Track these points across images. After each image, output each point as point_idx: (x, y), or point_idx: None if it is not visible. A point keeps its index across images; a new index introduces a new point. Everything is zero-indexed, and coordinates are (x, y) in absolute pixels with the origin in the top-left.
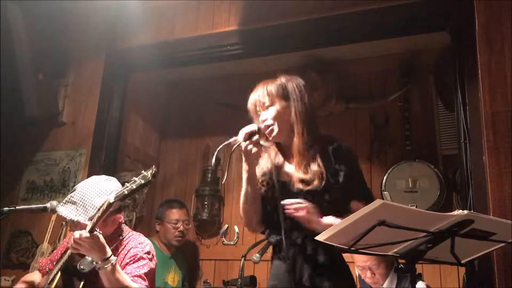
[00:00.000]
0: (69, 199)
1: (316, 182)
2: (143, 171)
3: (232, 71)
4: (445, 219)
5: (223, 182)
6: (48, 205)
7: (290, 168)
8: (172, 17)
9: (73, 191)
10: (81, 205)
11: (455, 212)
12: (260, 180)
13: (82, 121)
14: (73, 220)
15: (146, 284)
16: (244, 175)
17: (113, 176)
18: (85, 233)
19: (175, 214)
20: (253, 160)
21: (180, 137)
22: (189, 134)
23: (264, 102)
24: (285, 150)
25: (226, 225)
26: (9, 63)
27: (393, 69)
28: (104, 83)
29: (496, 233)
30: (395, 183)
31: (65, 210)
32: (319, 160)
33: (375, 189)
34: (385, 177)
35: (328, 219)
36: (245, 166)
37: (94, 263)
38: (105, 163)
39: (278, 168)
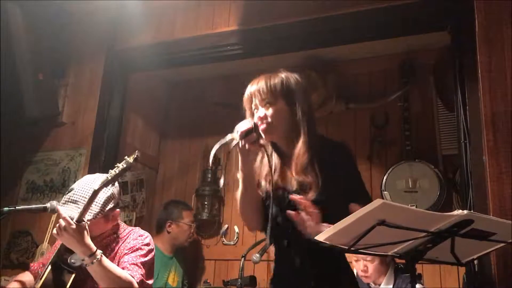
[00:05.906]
0: (69, 198)
1: (311, 192)
2: (126, 157)
3: (232, 71)
4: (445, 219)
5: (220, 187)
6: (48, 205)
7: (287, 171)
8: (172, 17)
9: (70, 191)
10: (83, 203)
11: (455, 212)
12: (257, 183)
13: (82, 121)
14: None
15: (142, 272)
16: (241, 175)
17: None
18: (71, 222)
19: (189, 215)
20: (249, 159)
21: (180, 137)
22: (189, 134)
23: (264, 98)
24: (281, 151)
25: (226, 225)
26: (9, 63)
27: (393, 69)
28: (104, 83)
29: (496, 233)
30: (395, 183)
31: (67, 210)
32: (316, 165)
33: (375, 189)
34: (385, 177)
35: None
36: (240, 166)
37: (81, 260)
38: (105, 163)
39: (274, 171)
